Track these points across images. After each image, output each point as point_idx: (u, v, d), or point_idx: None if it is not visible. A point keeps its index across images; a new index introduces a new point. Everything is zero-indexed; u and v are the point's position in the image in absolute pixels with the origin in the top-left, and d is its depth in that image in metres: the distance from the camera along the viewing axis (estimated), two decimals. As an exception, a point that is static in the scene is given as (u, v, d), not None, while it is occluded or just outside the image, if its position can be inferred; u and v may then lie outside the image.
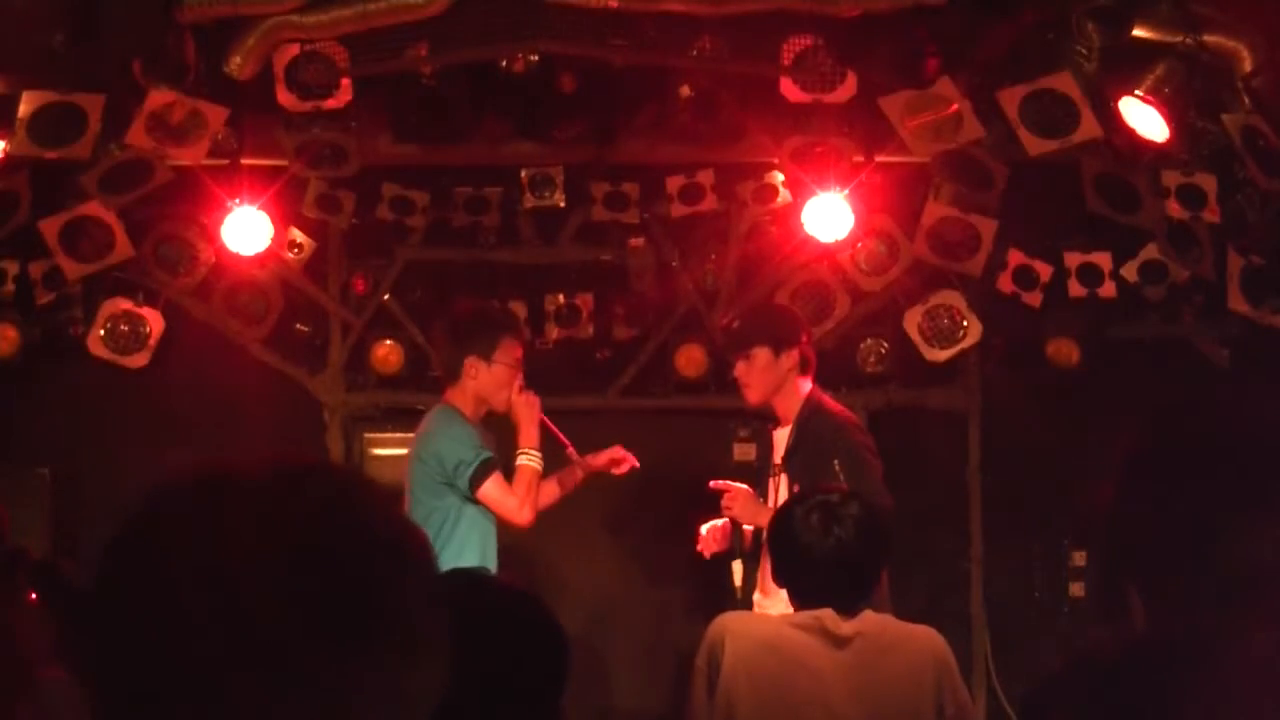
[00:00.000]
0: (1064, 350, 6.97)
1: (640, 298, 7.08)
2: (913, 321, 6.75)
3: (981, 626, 7.07)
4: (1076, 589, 7.06)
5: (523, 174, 6.85)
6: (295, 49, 5.82)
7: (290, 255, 6.86)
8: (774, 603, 4.72)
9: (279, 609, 1.15)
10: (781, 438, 5.33)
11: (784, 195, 6.70)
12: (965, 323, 6.70)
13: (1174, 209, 6.18)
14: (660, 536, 6.81)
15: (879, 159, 6.37)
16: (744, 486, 5.29)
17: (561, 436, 5.52)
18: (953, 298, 6.71)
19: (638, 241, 7.03)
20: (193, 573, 1.17)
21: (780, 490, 5.19)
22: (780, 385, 5.33)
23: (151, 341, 6.75)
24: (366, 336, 7.03)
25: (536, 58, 6.16)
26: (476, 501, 5.22)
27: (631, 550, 7.08)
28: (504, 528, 5.35)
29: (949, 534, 7.08)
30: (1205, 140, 6.09)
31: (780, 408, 5.36)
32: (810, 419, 5.27)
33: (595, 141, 6.66)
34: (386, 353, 6.99)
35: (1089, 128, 5.78)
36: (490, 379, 5.33)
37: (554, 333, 6.99)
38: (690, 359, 6.99)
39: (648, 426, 6.58)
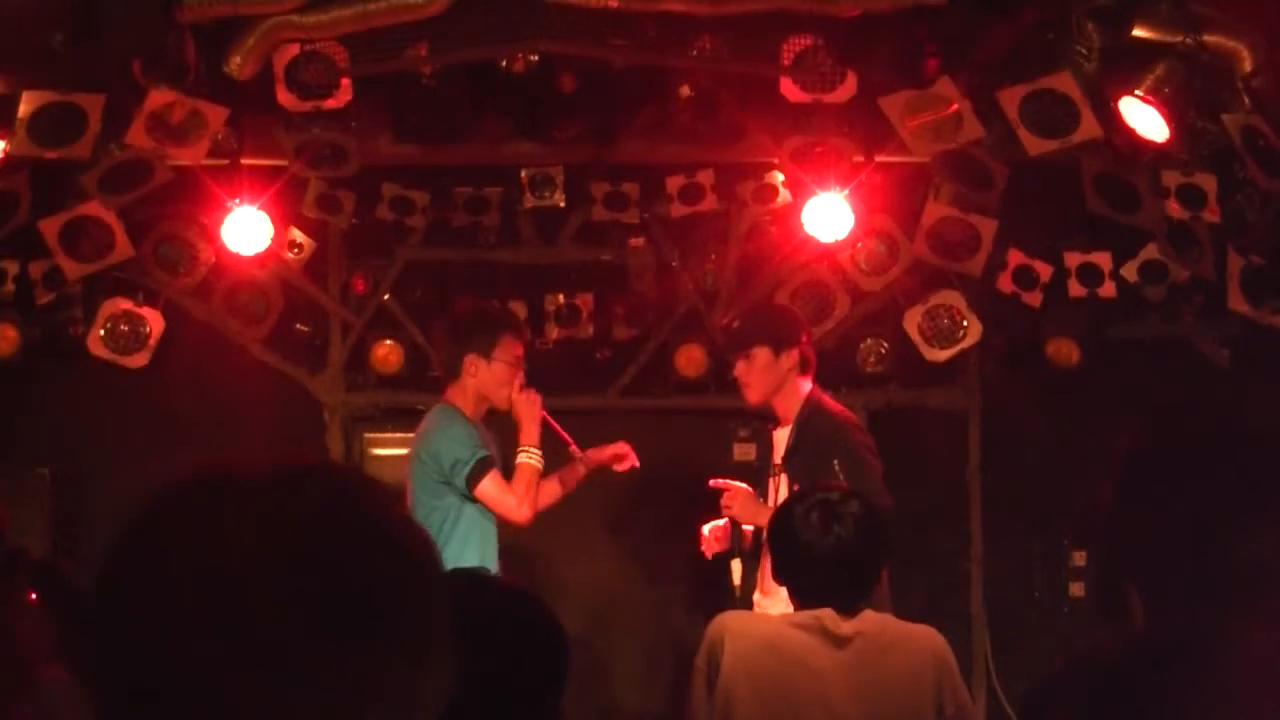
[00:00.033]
0: (1064, 350, 6.97)
1: (640, 298, 7.08)
2: (913, 321, 6.75)
3: (981, 626, 7.07)
4: (1076, 589, 7.06)
5: (523, 174, 6.85)
6: (295, 49, 5.82)
7: (290, 255, 6.86)
8: (774, 602, 4.72)
9: (279, 609, 1.15)
10: (781, 438, 5.33)
11: (784, 195, 6.70)
12: (965, 323, 6.70)
13: (1174, 209, 6.18)
14: (660, 536, 6.82)
15: (879, 159, 6.37)
16: (743, 485, 5.29)
17: (564, 434, 5.53)
18: (953, 298, 6.71)
19: (638, 241, 7.03)
20: (193, 573, 1.17)
21: (780, 490, 5.19)
22: (780, 385, 5.33)
23: (151, 341, 6.75)
24: (366, 336, 7.03)
25: (536, 58, 6.17)
26: (475, 500, 5.22)
27: (631, 550, 7.08)
28: (504, 527, 5.35)
29: (949, 534, 7.08)
30: (1205, 140, 6.09)
31: (780, 408, 5.36)
32: (810, 419, 5.27)
33: (595, 141, 6.66)
34: (386, 353, 6.99)
35: (1089, 128, 5.78)
36: (490, 377, 5.34)
37: (554, 333, 6.99)
38: (690, 359, 6.99)
39: (648, 426, 6.57)
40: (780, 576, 3.87)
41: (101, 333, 6.73)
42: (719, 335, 6.61)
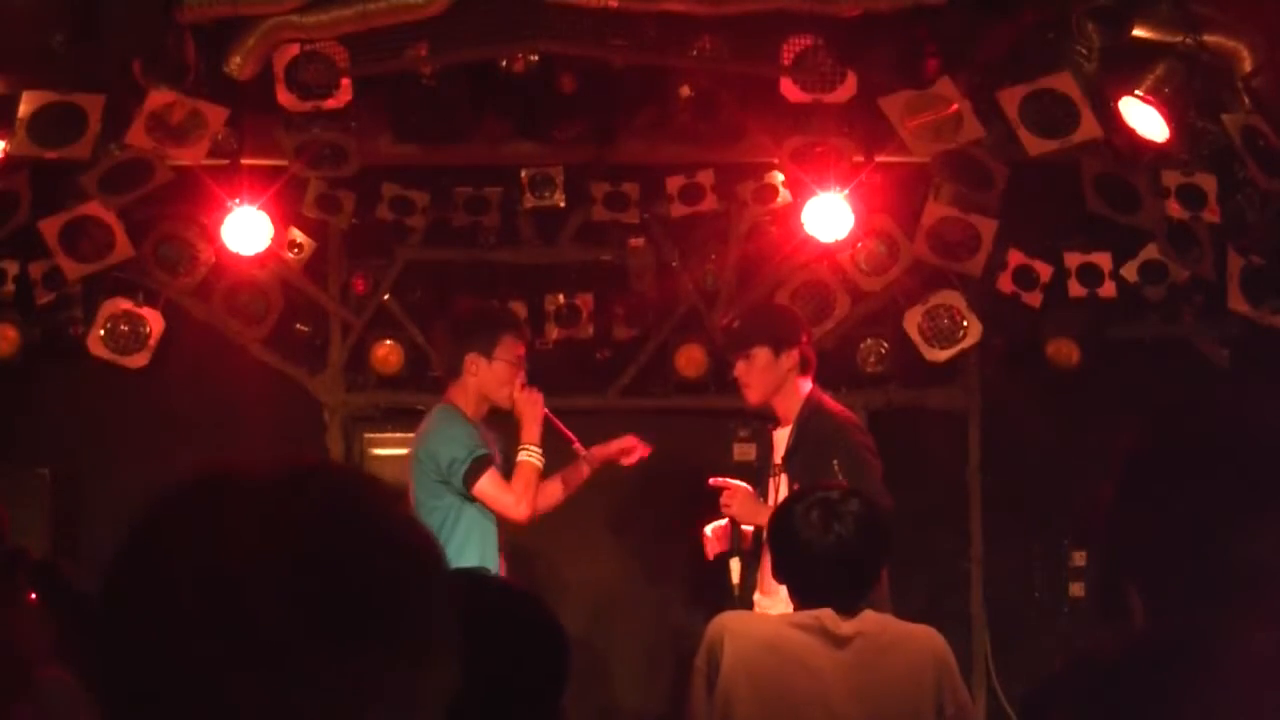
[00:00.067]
0: (1064, 350, 6.97)
1: (640, 298, 7.08)
2: (913, 321, 6.75)
3: (981, 626, 7.07)
4: (1076, 589, 7.06)
5: (523, 174, 6.85)
6: (295, 49, 5.82)
7: (290, 255, 6.86)
8: (774, 602, 4.73)
9: (280, 609, 1.15)
10: (781, 438, 5.34)
11: (784, 195, 6.70)
12: (965, 323, 6.71)
13: (1174, 209, 6.18)
14: (660, 536, 6.82)
15: (879, 159, 6.37)
16: (743, 484, 5.30)
17: (567, 432, 5.53)
18: (953, 298, 6.71)
19: (638, 241, 7.03)
20: (194, 573, 1.17)
21: (780, 490, 5.19)
22: (780, 385, 5.33)
23: (151, 341, 6.75)
24: (366, 336, 7.03)
25: (536, 58, 6.17)
26: (475, 500, 5.23)
27: (632, 550, 7.08)
28: (505, 527, 5.35)
29: (949, 534, 7.08)
30: (1205, 140, 6.09)
31: (780, 408, 5.36)
32: (810, 419, 5.28)
33: (595, 141, 6.66)
34: (386, 353, 6.99)
35: (1089, 128, 5.78)
36: (491, 376, 5.34)
37: (554, 333, 6.99)
38: (690, 359, 6.99)
39: (648, 426, 6.54)
40: (780, 575, 3.87)
41: (101, 333, 6.73)
42: (719, 335, 6.61)
